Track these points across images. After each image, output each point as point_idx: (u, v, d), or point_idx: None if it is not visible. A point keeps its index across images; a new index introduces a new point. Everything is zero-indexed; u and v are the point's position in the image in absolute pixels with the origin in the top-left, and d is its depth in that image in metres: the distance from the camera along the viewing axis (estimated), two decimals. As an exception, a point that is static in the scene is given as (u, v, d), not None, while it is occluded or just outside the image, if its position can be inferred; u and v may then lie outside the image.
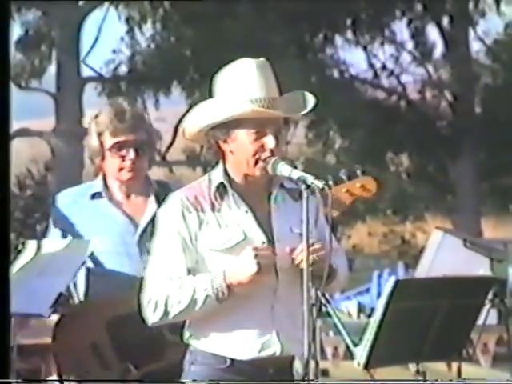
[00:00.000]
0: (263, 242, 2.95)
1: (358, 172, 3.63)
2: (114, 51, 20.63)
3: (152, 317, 2.94)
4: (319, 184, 2.81)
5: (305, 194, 2.82)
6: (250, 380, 2.94)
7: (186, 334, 3.04)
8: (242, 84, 2.93)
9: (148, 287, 2.93)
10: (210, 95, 3.06)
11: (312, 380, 2.78)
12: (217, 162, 3.05)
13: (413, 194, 21.51)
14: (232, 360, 2.94)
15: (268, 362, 2.96)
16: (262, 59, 3.00)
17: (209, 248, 2.92)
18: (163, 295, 2.89)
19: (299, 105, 3.01)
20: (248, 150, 2.95)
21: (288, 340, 2.98)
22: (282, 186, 3.06)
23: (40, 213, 20.79)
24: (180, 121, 16.85)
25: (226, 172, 3.00)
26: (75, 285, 3.96)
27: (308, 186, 2.83)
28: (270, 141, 2.94)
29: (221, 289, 2.84)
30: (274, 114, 2.94)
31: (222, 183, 2.98)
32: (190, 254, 2.93)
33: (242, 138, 2.95)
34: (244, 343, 2.94)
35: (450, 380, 3.62)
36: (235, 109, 2.92)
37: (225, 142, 2.98)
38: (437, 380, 3.34)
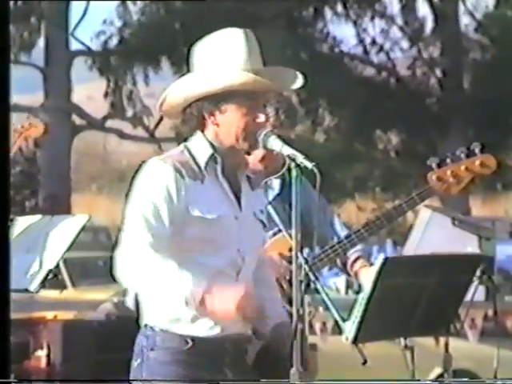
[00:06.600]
0: (236, 218, 2.92)
1: (477, 150, 3.56)
2: (105, 22, 20.45)
3: (121, 276, 2.79)
4: (308, 164, 2.74)
5: (294, 173, 2.75)
6: (210, 360, 2.88)
7: (145, 317, 2.93)
8: (232, 53, 2.86)
9: (128, 248, 2.78)
10: (188, 67, 2.93)
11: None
12: (189, 134, 2.95)
13: (401, 172, 21.51)
14: (193, 341, 2.86)
15: (226, 339, 2.90)
16: (247, 30, 2.92)
17: (194, 213, 2.86)
18: (140, 265, 2.75)
19: (290, 79, 2.97)
20: (239, 123, 2.88)
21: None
22: (247, 176, 3.02)
23: (29, 189, 20.73)
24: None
25: (212, 145, 2.94)
26: (65, 261, 3.94)
27: (297, 165, 2.76)
28: (261, 114, 2.90)
29: (193, 301, 2.74)
30: (274, 86, 2.90)
31: (212, 155, 2.94)
32: (174, 218, 2.83)
33: (234, 111, 2.87)
34: (207, 322, 2.87)
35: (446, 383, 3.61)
36: (232, 78, 2.84)
37: (211, 114, 2.90)
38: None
